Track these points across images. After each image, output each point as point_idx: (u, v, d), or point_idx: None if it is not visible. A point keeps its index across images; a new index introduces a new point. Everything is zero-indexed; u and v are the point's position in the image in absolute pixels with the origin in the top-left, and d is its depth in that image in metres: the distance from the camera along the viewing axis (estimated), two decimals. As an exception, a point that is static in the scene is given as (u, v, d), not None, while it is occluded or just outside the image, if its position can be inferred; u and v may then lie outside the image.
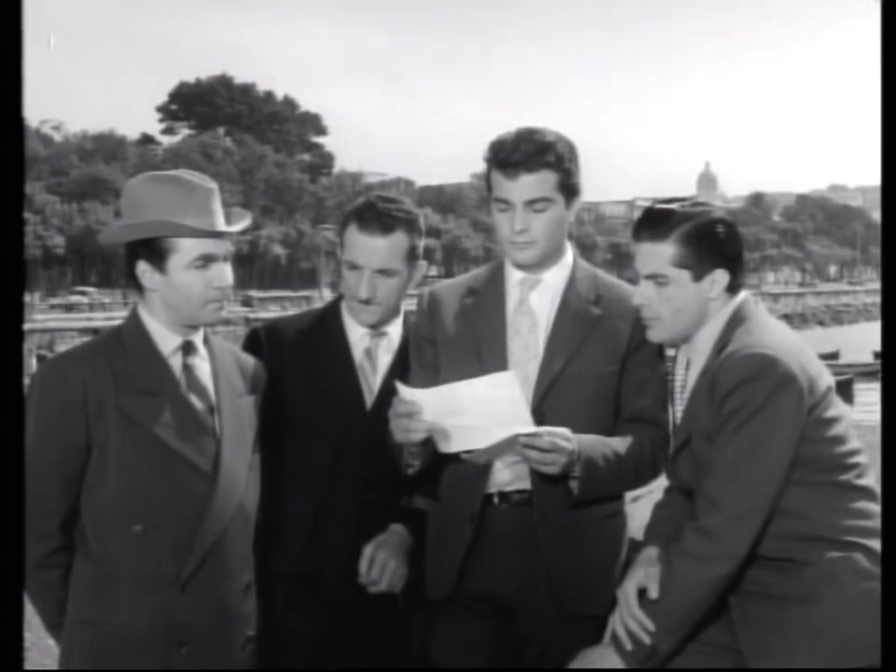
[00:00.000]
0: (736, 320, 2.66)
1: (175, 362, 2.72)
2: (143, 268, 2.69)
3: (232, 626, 2.73)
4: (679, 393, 2.78)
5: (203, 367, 2.76)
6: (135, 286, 2.74)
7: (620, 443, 2.88)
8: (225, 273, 2.70)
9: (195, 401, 2.71)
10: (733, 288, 2.69)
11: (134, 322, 2.74)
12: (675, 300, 2.67)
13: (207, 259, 2.67)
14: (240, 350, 2.97)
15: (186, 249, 2.65)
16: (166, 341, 2.72)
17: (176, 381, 2.70)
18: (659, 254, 2.66)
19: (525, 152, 2.83)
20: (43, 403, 2.64)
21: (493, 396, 2.66)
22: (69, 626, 2.69)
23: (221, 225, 2.70)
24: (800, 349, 2.62)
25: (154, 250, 2.66)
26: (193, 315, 2.70)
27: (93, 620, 2.63)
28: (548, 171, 2.85)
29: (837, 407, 2.62)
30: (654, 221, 2.68)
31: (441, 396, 2.71)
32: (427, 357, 2.99)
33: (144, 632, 2.61)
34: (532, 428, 2.69)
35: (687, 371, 2.76)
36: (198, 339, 2.77)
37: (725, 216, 2.71)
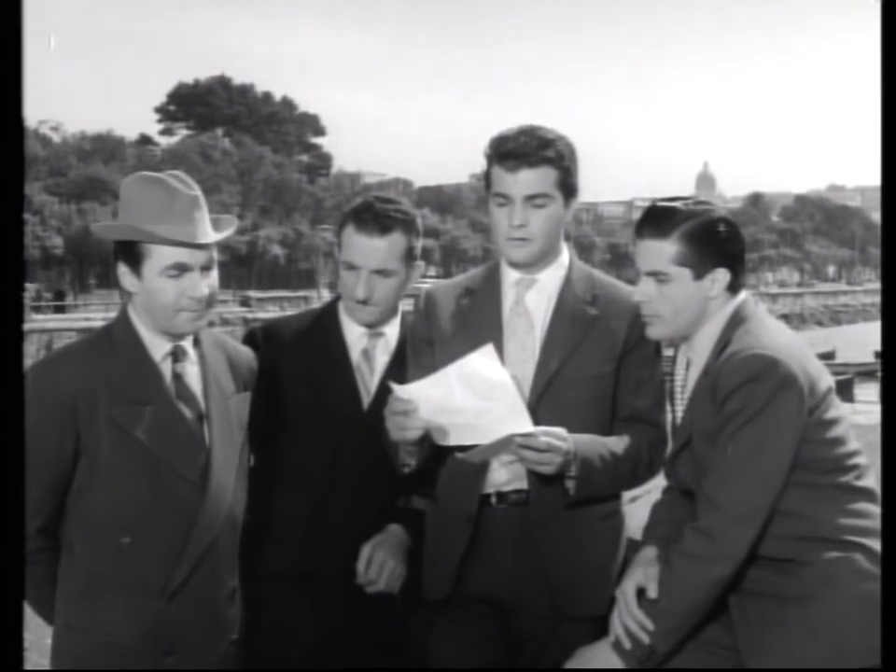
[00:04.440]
0: (737, 320, 2.65)
1: (166, 368, 2.70)
2: (122, 270, 2.67)
3: (218, 632, 2.73)
4: (678, 393, 2.78)
5: (192, 372, 2.74)
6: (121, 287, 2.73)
7: (616, 443, 2.88)
8: (199, 283, 2.64)
9: (185, 411, 2.69)
10: (733, 288, 2.69)
11: (125, 325, 2.71)
12: (675, 298, 2.66)
13: (181, 269, 2.63)
14: (231, 342, 2.94)
15: (159, 256, 2.62)
16: (156, 346, 2.69)
17: (167, 390, 2.68)
18: (661, 251, 2.66)
19: (526, 145, 2.84)
20: (32, 406, 2.58)
21: (485, 381, 2.65)
22: (58, 629, 2.69)
23: (198, 235, 2.64)
24: (801, 350, 2.62)
25: (131, 253, 2.64)
26: (169, 323, 2.67)
27: (80, 625, 2.63)
28: (548, 167, 2.85)
29: (837, 408, 2.62)
30: (657, 219, 2.68)
31: (433, 387, 2.70)
32: (424, 357, 2.98)
33: (130, 640, 2.61)
34: (528, 428, 2.69)
35: (687, 371, 2.76)
36: (187, 343, 2.74)
37: (728, 215, 2.71)
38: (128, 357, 2.67)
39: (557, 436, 2.72)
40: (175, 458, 2.64)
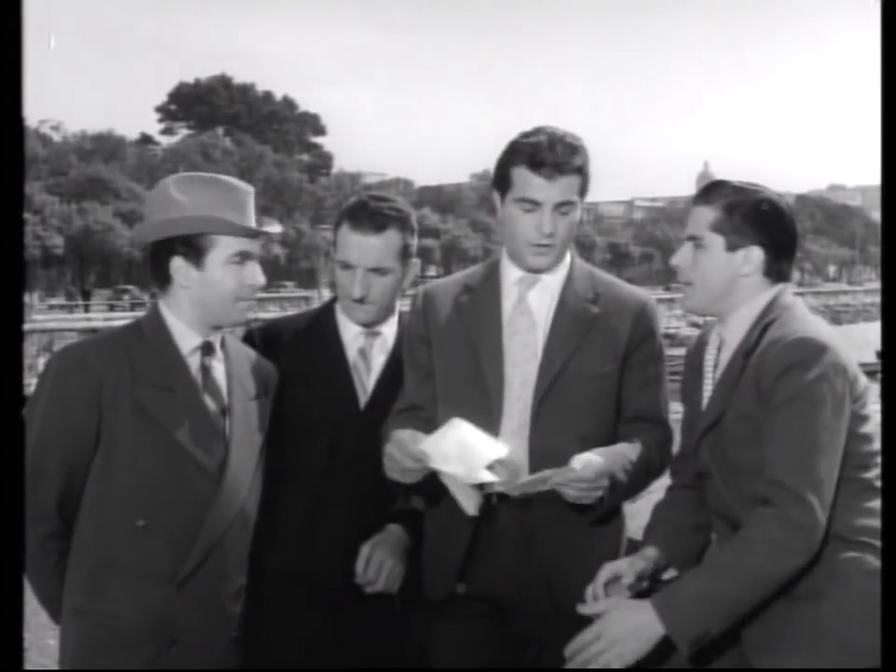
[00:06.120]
0: (776, 305, 2.64)
1: (193, 361, 2.75)
2: (178, 264, 2.71)
3: (222, 628, 2.75)
4: (710, 372, 2.74)
5: (218, 368, 2.79)
6: (159, 283, 2.76)
7: (631, 451, 2.87)
8: (258, 272, 2.76)
9: (209, 402, 2.74)
10: (773, 276, 2.67)
11: (155, 318, 2.76)
12: (705, 266, 2.67)
13: (244, 257, 2.72)
14: (253, 352, 2.98)
15: (225, 246, 2.70)
16: (186, 339, 2.75)
17: (193, 380, 2.73)
18: (702, 216, 2.68)
19: (562, 154, 2.83)
20: (57, 386, 2.66)
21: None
22: (65, 616, 2.71)
23: (262, 224, 2.75)
24: (841, 343, 2.60)
25: (193, 246, 2.69)
26: (225, 312, 2.74)
27: (87, 609, 2.65)
28: (576, 175, 2.86)
29: (869, 405, 2.60)
30: (710, 188, 2.73)
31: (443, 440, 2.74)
32: (420, 357, 2.98)
33: (135, 626, 2.63)
34: (502, 451, 2.71)
35: (719, 351, 2.74)
36: (216, 340, 2.80)
37: (779, 201, 2.70)
38: (155, 346, 2.72)
39: (596, 472, 2.71)
40: (195, 447, 2.68)
